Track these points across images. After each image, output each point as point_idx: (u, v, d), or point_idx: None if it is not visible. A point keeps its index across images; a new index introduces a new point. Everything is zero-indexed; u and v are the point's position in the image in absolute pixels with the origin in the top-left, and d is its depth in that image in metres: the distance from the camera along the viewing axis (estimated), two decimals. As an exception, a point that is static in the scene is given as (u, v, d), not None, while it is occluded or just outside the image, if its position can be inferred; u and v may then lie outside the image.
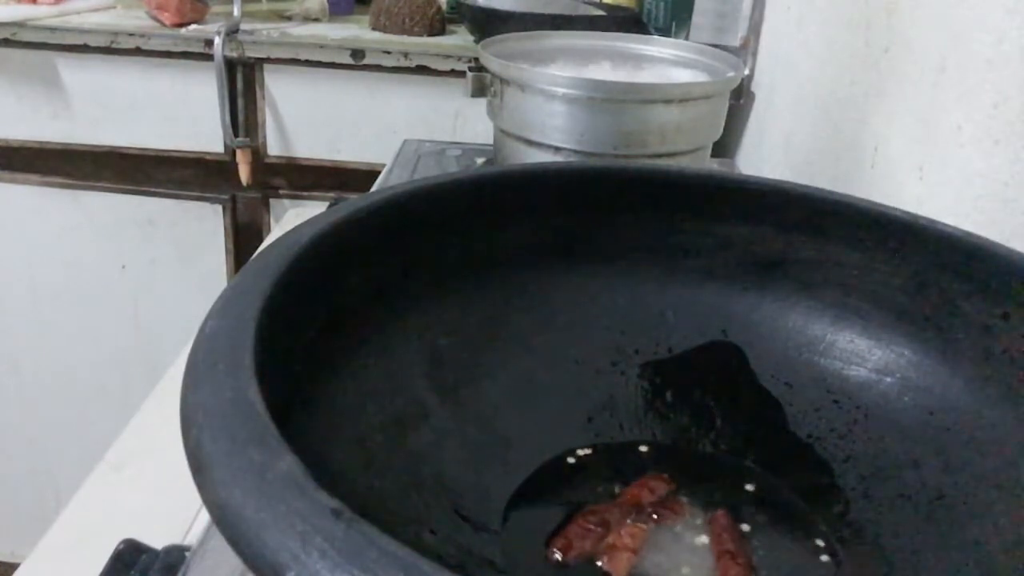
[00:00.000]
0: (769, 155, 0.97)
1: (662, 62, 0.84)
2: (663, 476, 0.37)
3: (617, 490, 0.37)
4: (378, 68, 1.26)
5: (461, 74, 1.21)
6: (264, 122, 1.32)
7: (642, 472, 0.38)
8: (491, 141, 0.83)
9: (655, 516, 0.35)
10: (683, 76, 0.81)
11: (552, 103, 0.70)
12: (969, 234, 0.37)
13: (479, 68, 0.76)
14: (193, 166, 1.35)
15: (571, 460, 0.39)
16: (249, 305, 0.26)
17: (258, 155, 1.34)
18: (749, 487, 0.38)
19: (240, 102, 1.30)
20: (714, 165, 0.95)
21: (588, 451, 0.39)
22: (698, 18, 1.11)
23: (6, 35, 1.22)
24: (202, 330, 0.25)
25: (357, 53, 1.24)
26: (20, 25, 1.21)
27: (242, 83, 1.29)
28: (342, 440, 0.32)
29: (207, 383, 0.22)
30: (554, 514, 0.36)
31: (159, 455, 0.55)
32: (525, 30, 0.87)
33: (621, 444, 0.40)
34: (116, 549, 0.36)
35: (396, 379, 0.36)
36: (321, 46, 1.25)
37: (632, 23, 1.13)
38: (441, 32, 1.32)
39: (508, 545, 0.34)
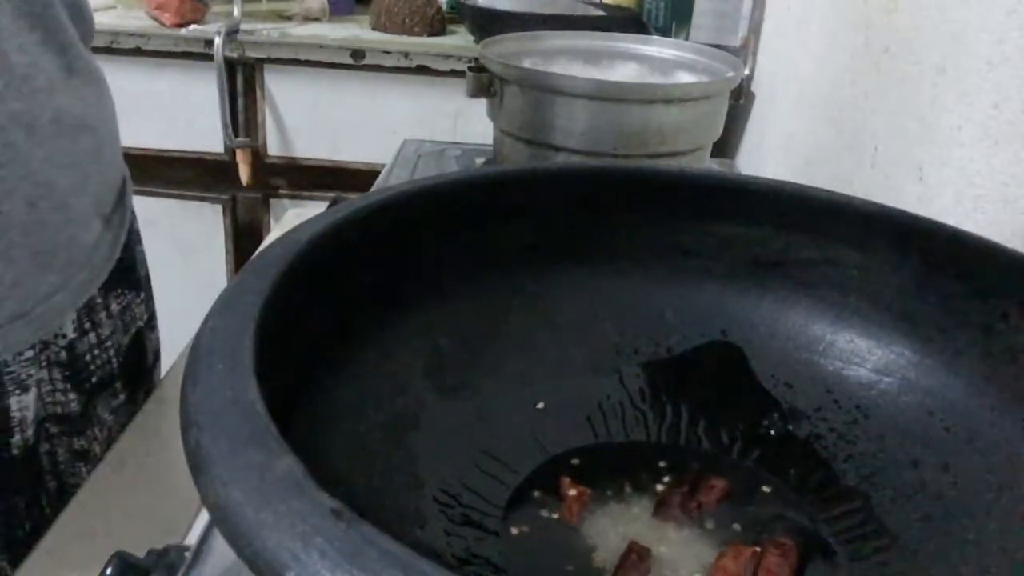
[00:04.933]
0: (769, 155, 0.97)
1: (662, 62, 0.84)
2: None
3: (627, 489, 0.37)
4: (378, 68, 1.26)
5: (461, 74, 1.21)
6: (264, 122, 1.32)
7: (640, 471, 0.38)
8: (491, 141, 0.83)
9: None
10: (683, 76, 0.81)
11: (552, 103, 0.70)
12: (969, 234, 0.37)
13: (479, 68, 0.76)
14: (193, 166, 1.35)
15: (571, 460, 0.39)
16: (249, 305, 0.26)
17: (258, 155, 1.34)
18: (748, 488, 0.38)
19: (240, 102, 1.31)
20: (714, 165, 0.95)
21: (588, 451, 0.39)
22: (698, 18, 1.11)
23: (6, 35, 1.21)
24: (202, 330, 0.25)
25: (357, 53, 1.25)
26: (20, 25, 1.21)
27: (242, 83, 1.30)
28: (342, 440, 0.32)
29: (207, 383, 0.22)
30: (554, 515, 0.36)
31: (159, 455, 0.55)
32: (525, 30, 0.87)
33: (621, 444, 0.40)
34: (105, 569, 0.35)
35: (396, 379, 0.36)
36: (321, 46, 1.25)
37: (632, 23, 1.13)
38: (441, 32, 1.32)
39: (508, 545, 0.34)
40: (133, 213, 0.63)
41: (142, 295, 0.65)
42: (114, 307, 0.60)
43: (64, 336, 0.56)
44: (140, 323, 0.65)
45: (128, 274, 0.62)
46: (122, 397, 0.62)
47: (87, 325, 0.57)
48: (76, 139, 0.52)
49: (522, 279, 0.42)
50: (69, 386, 0.57)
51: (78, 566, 0.46)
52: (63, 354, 0.56)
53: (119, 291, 0.61)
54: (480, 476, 0.36)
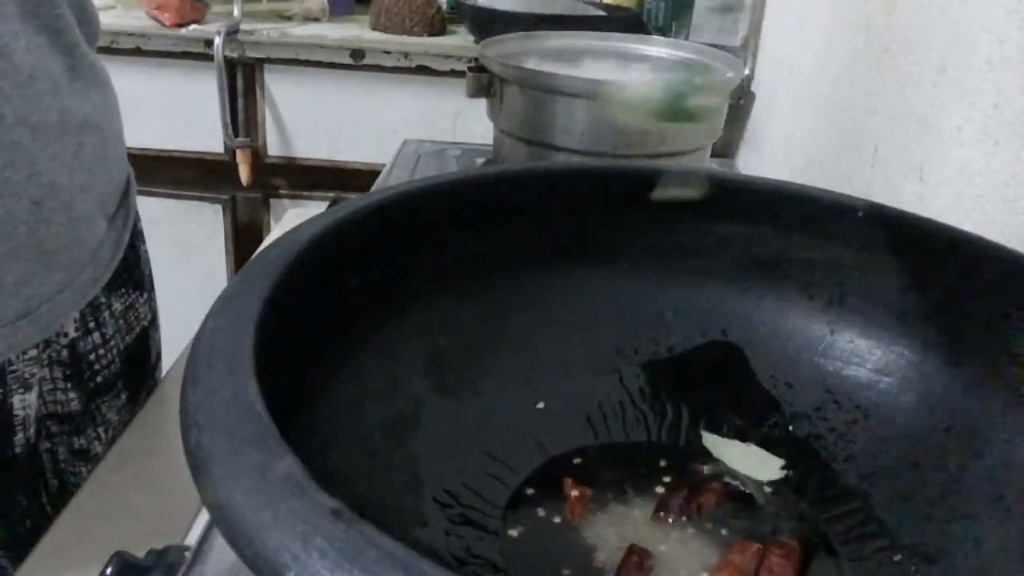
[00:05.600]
0: (769, 155, 0.97)
1: (662, 62, 0.84)
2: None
3: (627, 489, 0.37)
4: (378, 68, 1.26)
5: (461, 74, 1.21)
6: (264, 122, 1.32)
7: (640, 472, 0.38)
8: (491, 141, 0.83)
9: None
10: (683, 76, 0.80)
11: (552, 103, 0.70)
12: (969, 234, 0.37)
13: (479, 68, 0.76)
14: (193, 166, 1.35)
15: (571, 460, 0.39)
16: (249, 305, 0.26)
17: (258, 155, 1.34)
18: (748, 489, 0.38)
19: (240, 102, 1.30)
20: (714, 165, 0.95)
21: (588, 451, 0.39)
22: (698, 18, 1.11)
23: (6, 35, 1.21)
24: (202, 330, 0.25)
25: (357, 53, 1.25)
26: (20, 25, 1.21)
27: (242, 83, 1.29)
28: (342, 440, 0.32)
29: (207, 383, 0.22)
30: (554, 515, 0.36)
31: (159, 455, 0.55)
32: (525, 30, 0.87)
33: (621, 444, 0.40)
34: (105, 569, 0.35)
35: (396, 379, 0.36)
36: (321, 46, 1.25)
37: (632, 23, 1.13)
38: (441, 32, 1.32)
39: (508, 545, 0.34)
40: (137, 213, 0.63)
41: (146, 295, 0.65)
42: (117, 307, 0.60)
43: (66, 335, 0.56)
44: (144, 323, 0.64)
45: (132, 273, 0.62)
46: (124, 397, 0.62)
47: (91, 324, 0.58)
48: (81, 139, 0.52)
49: (522, 279, 0.42)
50: (70, 385, 0.57)
51: (78, 566, 0.46)
52: (64, 353, 0.56)
53: (123, 291, 0.61)
54: (480, 476, 0.36)
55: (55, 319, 0.52)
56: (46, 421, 0.57)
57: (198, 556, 0.37)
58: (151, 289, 0.66)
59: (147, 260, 0.66)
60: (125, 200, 0.60)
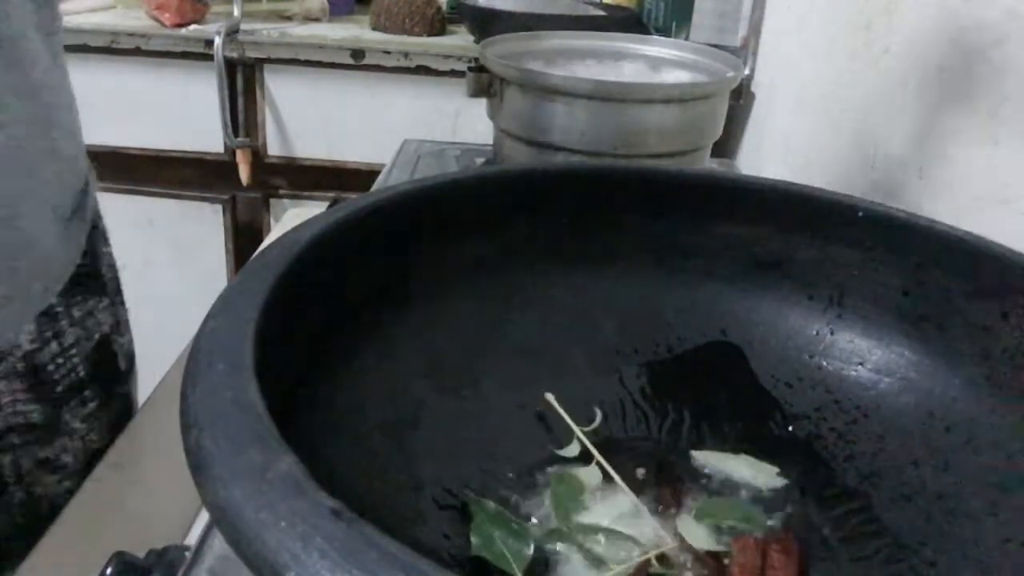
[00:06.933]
0: (769, 155, 0.97)
1: (662, 62, 0.84)
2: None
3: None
4: (378, 68, 1.26)
5: (461, 74, 1.21)
6: (264, 122, 1.32)
7: (640, 471, 0.38)
8: (491, 141, 0.83)
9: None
10: (683, 76, 0.81)
11: (552, 103, 0.70)
12: (969, 234, 0.37)
13: (479, 68, 0.76)
14: (193, 166, 1.35)
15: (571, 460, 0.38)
16: (249, 305, 0.26)
17: (258, 155, 1.34)
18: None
19: (240, 102, 1.30)
20: (714, 165, 0.95)
21: (588, 451, 0.39)
22: (698, 18, 1.11)
23: (6, 35, 1.21)
24: (202, 330, 0.25)
25: (357, 53, 1.24)
26: (20, 25, 1.21)
27: (242, 83, 1.29)
28: (342, 440, 0.32)
29: (207, 383, 0.22)
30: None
31: (159, 455, 0.55)
32: (525, 30, 0.87)
33: (621, 444, 0.40)
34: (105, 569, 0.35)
35: (396, 379, 0.36)
36: (321, 46, 1.25)
37: (632, 23, 1.13)
38: (441, 32, 1.32)
39: (508, 545, 0.34)
40: (98, 213, 0.59)
41: (106, 300, 0.60)
42: (76, 313, 0.56)
43: (19, 347, 0.52)
44: (105, 329, 0.60)
45: (90, 279, 0.57)
46: (92, 405, 0.59)
47: (48, 334, 0.54)
48: (23, 142, 0.47)
49: (522, 279, 0.42)
50: (31, 396, 0.54)
51: (78, 566, 0.46)
52: (20, 366, 0.52)
53: (79, 297, 0.56)
54: (480, 476, 0.36)
55: (3, 332, 0.49)
56: (8, 434, 0.53)
57: (198, 556, 0.36)
58: (115, 293, 0.61)
59: (111, 264, 0.61)
60: (82, 203, 0.55)
